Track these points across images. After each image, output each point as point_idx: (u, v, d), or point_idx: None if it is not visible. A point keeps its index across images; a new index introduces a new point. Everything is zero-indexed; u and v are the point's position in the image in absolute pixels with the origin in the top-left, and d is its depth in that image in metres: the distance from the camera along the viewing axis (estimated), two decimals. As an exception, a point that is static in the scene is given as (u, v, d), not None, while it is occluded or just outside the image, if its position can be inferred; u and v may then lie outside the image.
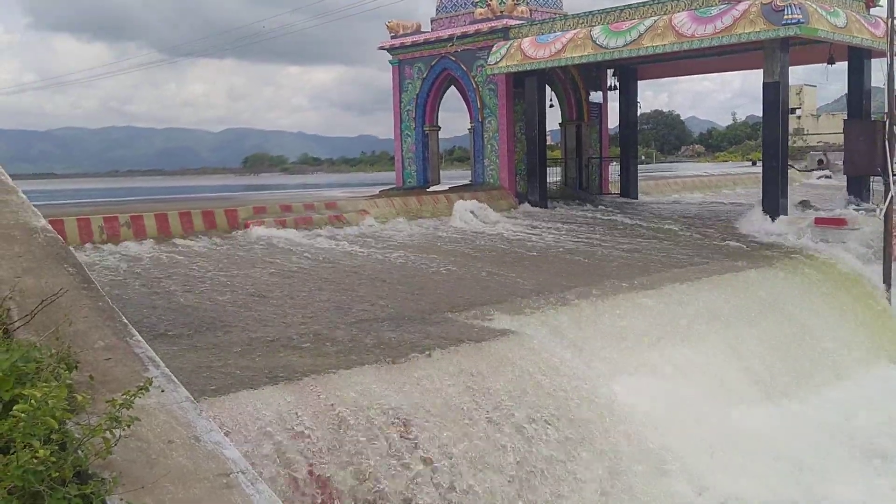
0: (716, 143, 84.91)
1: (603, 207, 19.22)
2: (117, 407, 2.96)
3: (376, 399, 5.53)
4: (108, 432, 2.87)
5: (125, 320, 4.20)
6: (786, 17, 13.57)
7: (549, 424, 6.15)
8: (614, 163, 22.80)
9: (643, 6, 16.14)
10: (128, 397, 3.01)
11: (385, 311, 8.16)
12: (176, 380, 3.75)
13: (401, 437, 5.38)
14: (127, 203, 16.38)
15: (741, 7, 14.18)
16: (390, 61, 21.47)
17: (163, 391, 3.55)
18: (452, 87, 21.23)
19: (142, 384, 3.18)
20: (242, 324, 7.50)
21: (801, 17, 13.49)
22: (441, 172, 22.49)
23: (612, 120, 22.60)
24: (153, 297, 8.76)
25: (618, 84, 21.39)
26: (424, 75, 20.65)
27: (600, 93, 21.68)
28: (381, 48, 21.45)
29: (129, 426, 2.96)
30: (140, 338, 4.04)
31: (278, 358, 6.17)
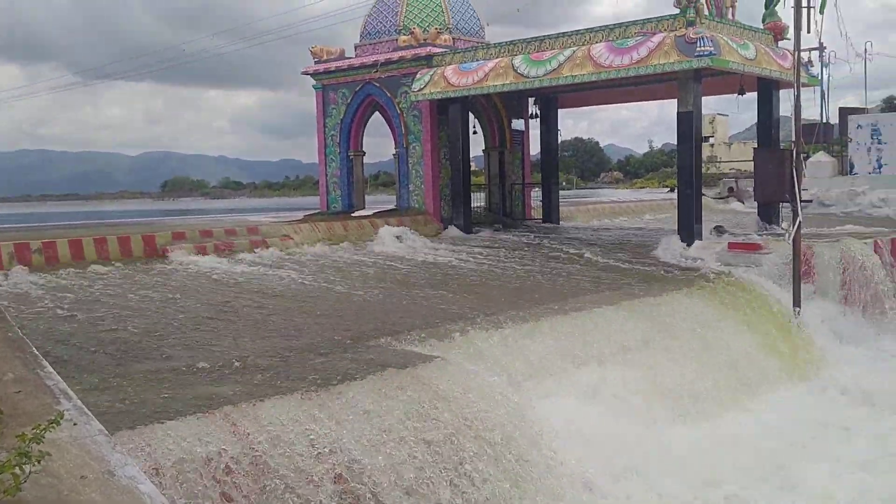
0: (633, 169, 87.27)
1: (526, 232, 19.48)
2: (27, 442, 2.85)
3: (301, 427, 5.45)
4: (17, 468, 2.75)
5: (36, 351, 4.05)
6: (698, 49, 14.11)
7: (475, 450, 6.15)
8: (536, 189, 23.20)
9: (563, 37, 16.55)
10: (38, 431, 2.90)
11: (309, 337, 8.07)
12: (89, 412, 3.63)
13: (324, 464, 5.31)
14: (40, 229, 15.83)
15: (656, 39, 14.69)
16: (314, 86, 21.41)
17: (75, 424, 3.43)
18: (377, 112, 21.29)
19: (53, 418, 3.07)
20: (161, 353, 7.31)
21: (712, 49, 14.04)
22: (366, 197, 22.45)
23: (534, 147, 23.04)
24: (66, 327, 8.46)
25: (539, 112, 21.82)
26: (349, 101, 20.65)
27: (522, 120, 22.07)
28: (305, 73, 21.38)
29: (39, 461, 2.85)
30: (52, 369, 3.90)
31: (199, 388, 6.02)
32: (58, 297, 10.21)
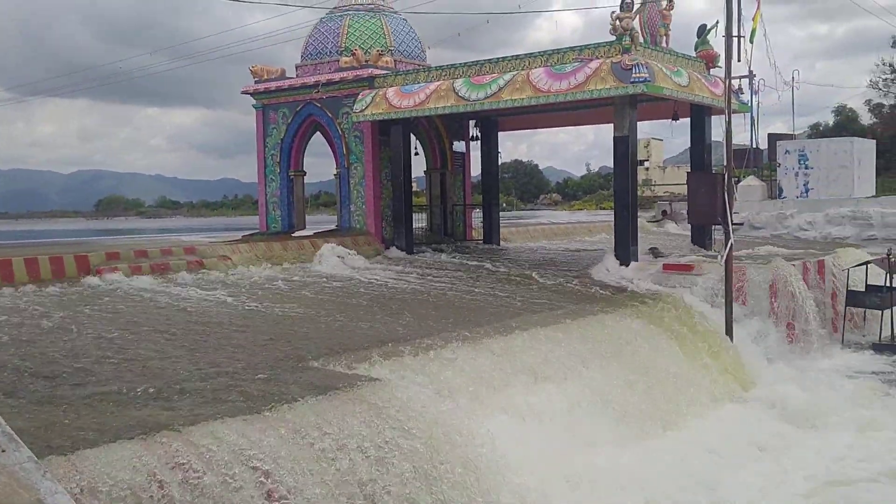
0: (571, 191, 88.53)
1: (467, 253, 19.62)
2: (-48, 470, 2.77)
3: (236, 451, 5.38)
4: (-59, 498, 2.68)
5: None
6: (634, 75, 14.49)
7: (412, 471, 6.16)
8: (477, 210, 23.38)
9: (503, 61, 16.81)
10: (-36, 459, 2.82)
11: (247, 360, 7.97)
12: (18, 439, 3.54)
13: (260, 487, 5.25)
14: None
15: (593, 65, 15.03)
16: (254, 105, 21.25)
17: (3, 451, 3.35)
18: (318, 132, 21.23)
19: (-20, 444, 2.99)
20: (94, 377, 7.13)
21: (647, 75, 14.43)
22: (307, 217, 22.32)
23: (475, 168, 23.26)
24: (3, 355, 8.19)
25: (480, 134, 22.05)
26: (289, 120, 20.55)
27: (463, 142, 22.28)
28: (245, 92, 21.22)
29: (-35, 490, 2.78)
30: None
31: (133, 412, 5.91)
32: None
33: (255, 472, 5.31)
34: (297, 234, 19.76)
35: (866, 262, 16.20)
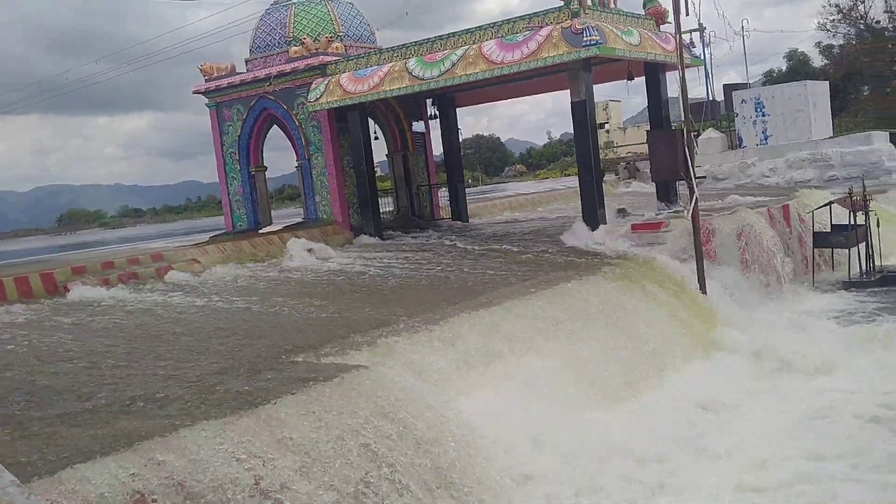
0: (535, 161, 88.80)
1: (437, 233, 19.58)
2: (-69, 504, 2.71)
3: (226, 454, 5.35)
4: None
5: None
6: (585, 39, 14.47)
7: (405, 455, 6.17)
8: (443, 188, 23.33)
9: (454, 36, 16.70)
10: (-57, 491, 2.76)
11: (226, 361, 7.91)
12: (-1, 464, 3.48)
13: (256, 487, 5.23)
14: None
15: (544, 32, 14.99)
16: (207, 104, 20.95)
17: (-16, 479, 3.28)
18: (275, 126, 20.99)
19: (-42, 475, 2.93)
20: (73, 393, 7.03)
21: (598, 38, 14.43)
22: (273, 212, 22.13)
23: (437, 147, 23.18)
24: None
25: (438, 112, 21.95)
26: (244, 116, 20.29)
27: (422, 122, 22.16)
28: (197, 92, 20.90)
29: (-54, 523, 2.72)
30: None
31: (116, 425, 5.83)
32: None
33: (246, 472, 5.29)
34: (264, 230, 19.60)
35: (829, 203, 16.42)
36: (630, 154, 34.54)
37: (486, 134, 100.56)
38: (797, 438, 8.11)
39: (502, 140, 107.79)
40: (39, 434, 5.75)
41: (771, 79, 53.21)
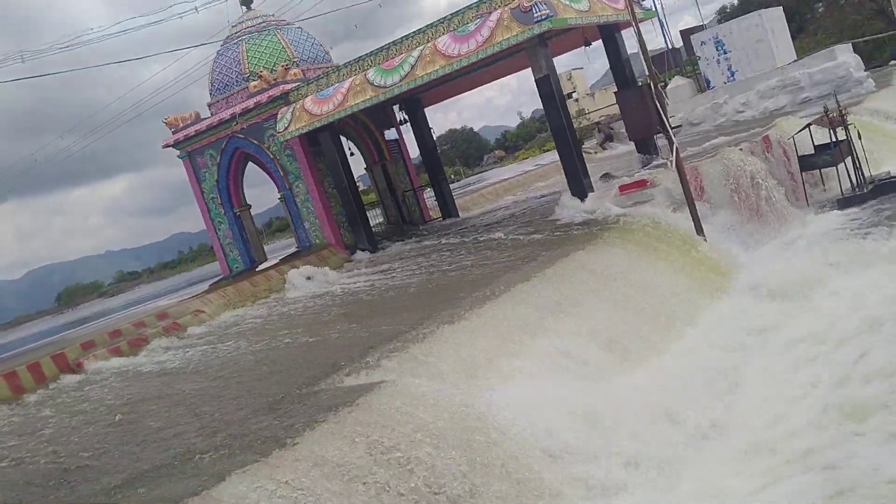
0: (512, 143, 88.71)
1: (430, 234, 19.59)
2: None
3: (268, 494, 5.37)
4: None
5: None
6: (535, 15, 14.45)
7: (442, 459, 6.19)
8: (428, 189, 23.33)
9: (407, 39, 16.69)
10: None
11: (250, 404, 7.92)
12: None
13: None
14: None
15: (494, 17, 14.98)
16: (179, 156, 20.95)
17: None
18: (250, 162, 20.98)
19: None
20: (105, 469, 7.04)
21: (548, 11, 14.42)
22: (266, 247, 22.14)
23: (413, 150, 23.17)
24: (3, 471, 8.05)
25: (407, 117, 21.95)
26: (218, 160, 20.28)
27: (394, 129, 22.16)
28: (167, 145, 20.89)
29: None
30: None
31: (155, 491, 5.85)
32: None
33: (292, 509, 5.31)
34: (261, 267, 19.60)
35: (808, 125, 16.44)
36: (603, 118, 34.51)
37: (458, 127, 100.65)
38: (821, 365, 8.16)
39: (476, 129, 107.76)
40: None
41: (725, 15, 53.25)
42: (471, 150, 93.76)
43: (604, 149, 31.39)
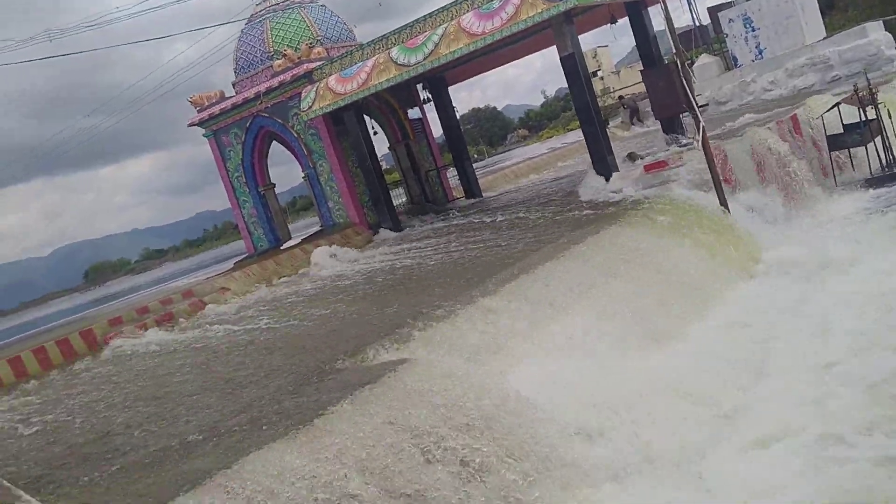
0: (535, 122, 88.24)
1: (453, 214, 19.58)
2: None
3: (297, 472, 5.43)
4: None
5: (6, 483, 3.95)
6: (561, -9, 14.31)
7: (474, 433, 6.23)
8: (451, 169, 23.31)
9: (431, 17, 16.61)
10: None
11: (277, 381, 8.00)
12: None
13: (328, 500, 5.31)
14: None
15: (519, -6, 14.84)
16: (204, 135, 21.07)
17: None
18: (274, 141, 21.07)
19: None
20: (133, 443, 7.16)
21: (574, -12, 14.26)
22: (290, 226, 22.26)
23: (436, 129, 23.13)
24: (29, 446, 8.21)
25: (430, 95, 21.88)
26: (243, 139, 20.39)
27: (417, 108, 22.11)
28: (192, 124, 21.01)
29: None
30: (29, 497, 3.82)
31: (182, 465, 5.94)
32: (14, 418, 9.89)
33: (318, 487, 5.37)
34: (285, 246, 19.72)
35: (837, 104, 16.20)
36: (629, 96, 34.09)
37: (481, 106, 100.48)
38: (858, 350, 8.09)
39: (499, 108, 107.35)
40: (108, 489, 5.86)
41: (754, -9, 52.29)
42: (494, 128, 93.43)
43: (632, 123, 31.01)
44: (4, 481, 3.97)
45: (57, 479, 6.63)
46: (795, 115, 16.74)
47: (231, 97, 20.41)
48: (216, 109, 20.31)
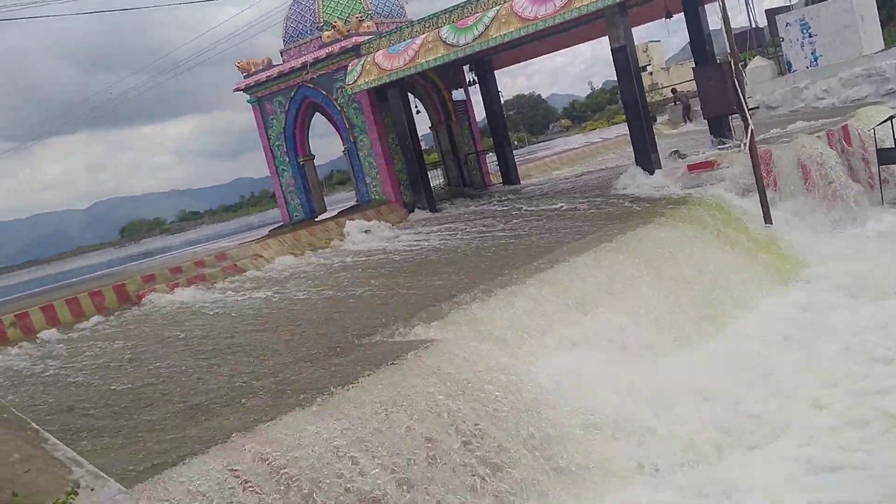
0: (580, 113, 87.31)
1: (489, 199, 19.50)
2: (49, 519, 2.82)
3: (316, 440, 5.45)
4: (46, 547, 2.73)
5: (36, 426, 4.00)
6: (617, -18, 14.09)
7: (489, 418, 6.21)
8: (491, 154, 23.17)
9: (483, -1, 16.46)
10: (58, 505, 2.88)
11: (302, 350, 8.05)
12: (104, 475, 3.60)
13: (344, 472, 5.32)
14: (8, 302, 15.59)
15: (575, -19, 14.63)
16: (249, 101, 21.16)
17: (92, 490, 3.41)
18: (317, 113, 21.10)
19: (69, 489, 3.05)
20: (160, 398, 7.25)
21: (631, -21, 14.05)
22: (326, 199, 22.32)
23: (479, 113, 22.99)
24: (59, 393, 8.36)
25: (476, 78, 21.74)
26: (287, 108, 20.45)
27: (462, 90, 21.99)
28: (238, 89, 21.10)
29: (66, 535, 2.83)
30: (56, 440, 3.86)
31: (207, 423, 5.99)
32: (44, 365, 10.07)
33: (339, 457, 5.38)
34: (320, 218, 19.79)
35: (891, 118, 15.78)
36: (682, 93, 33.49)
37: (526, 93, 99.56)
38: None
39: (544, 97, 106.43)
40: (134, 441, 5.94)
41: (814, -3, 51.20)
42: (537, 116, 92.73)
43: (685, 122, 30.39)
44: (33, 423, 4.02)
45: (87, 427, 6.74)
46: (846, 125, 16.36)
47: (278, 65, 20.45)
48: (262, 76, 20.37)
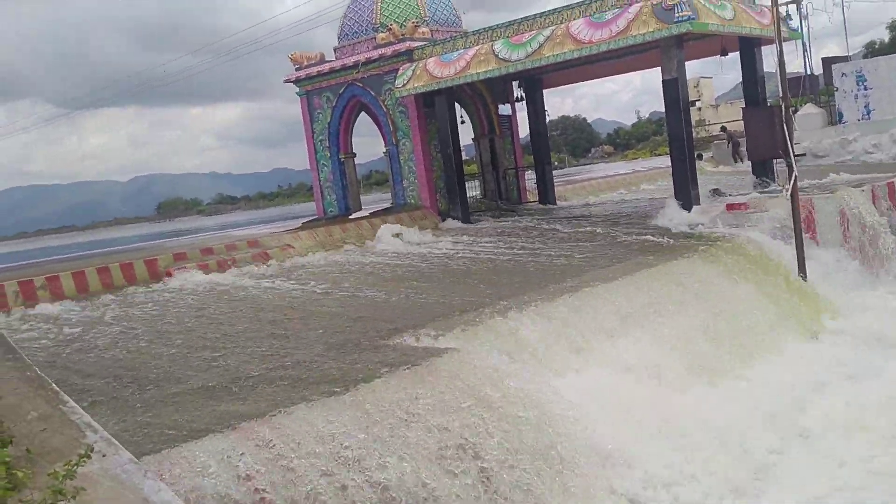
0: (623, 141, 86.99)
1: (524, 216, 19.48)
2: (60, 479, 2.87)
3: (324, 433, 5.48)
4: (53, 506, 2.78)
5: (56, 387, 4.07)
6: (676, 14, 14.06)
7: (499, 438, 6.19)
8: (530, 171, 23.16)
9: (541, 17, 16.51)
10: (69, 467, 2.93)
11: (322, 344, 8.09)
12: (117, 442, 3.65)
13: (351, 469, 5.34)
14: (41, 265, 15.86)
15: (633, 9, 14.64)
16: (297, 93, 21.38)
17: (104, 455, 3.46)
18: (363, 112, 21.26)
19: (82, 452, 3.10)
20: (178, 375, 7.33)
21: (691, 13, 13.99)
22: (361, 198, 22.46)
23: (523, 129, 23.00)
24: (82, 359, 8.49)
25: (524, 94, 21.77)
26: (334, 104, 20.62)
27: (509, 105, 22.02)
28: (288, 81, 21.34)
29: (74, 497, 2.88)
30: (74, 403, 3.92)
31: (220, 406, 6.05)
32: (69, 330, 10.23)
33: (344, 453, 5.40)
34: (354, 216, 19.89)
35: (940, 179, 15.55)
36: (732, 131, 33.24)
37: (571, 115, 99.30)
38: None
39: (589, 120, 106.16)
40: (147, 413, 6.02)
41: (873, 51, 50.56)
42: (580, 139, 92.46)
43: (735, 160, 30.01)
44: (54, 384, 4.09)
45: (104, 394, 6.83)
46: (893, 182, 16.12)
47: (330, 61, 20.65)
48: (314, 70, 20.58)
